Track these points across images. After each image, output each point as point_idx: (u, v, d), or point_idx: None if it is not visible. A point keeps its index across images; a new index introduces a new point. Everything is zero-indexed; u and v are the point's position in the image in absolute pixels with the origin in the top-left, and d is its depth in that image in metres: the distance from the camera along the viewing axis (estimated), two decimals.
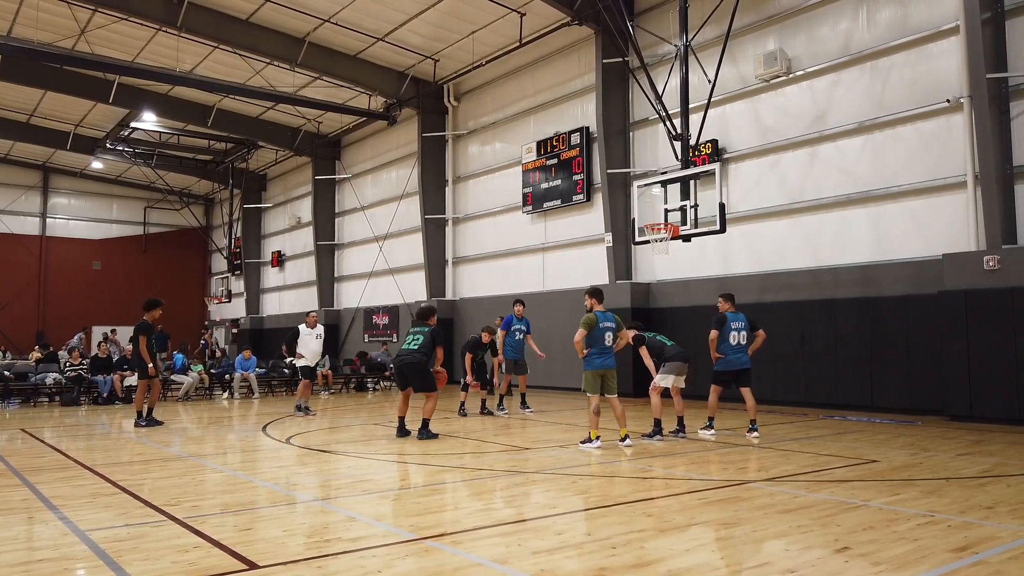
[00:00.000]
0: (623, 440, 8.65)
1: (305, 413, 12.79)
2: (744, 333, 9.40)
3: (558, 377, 17.30)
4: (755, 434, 9.21)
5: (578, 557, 4.24)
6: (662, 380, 9.36)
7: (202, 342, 28.41)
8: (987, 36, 11.01)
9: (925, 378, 11.76)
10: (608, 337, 8.50)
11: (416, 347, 9.52)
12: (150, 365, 11.38)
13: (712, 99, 13.41)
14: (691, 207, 12.40)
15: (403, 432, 9.60)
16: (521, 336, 12.56)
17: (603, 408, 8.66)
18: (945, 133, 11.91)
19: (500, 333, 12.39)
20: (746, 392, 9.39)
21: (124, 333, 26.01)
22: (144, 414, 11.33)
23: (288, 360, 14.38)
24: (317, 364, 13.88)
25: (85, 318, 30.39)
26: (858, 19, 13.06)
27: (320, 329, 13.25)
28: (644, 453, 8.28)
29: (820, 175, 13.51)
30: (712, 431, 9.48)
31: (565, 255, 18.50)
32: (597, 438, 8.52)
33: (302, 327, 13.20)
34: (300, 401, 13.06)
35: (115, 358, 16.54)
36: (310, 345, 13.09)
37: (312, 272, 28.08)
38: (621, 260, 16.51)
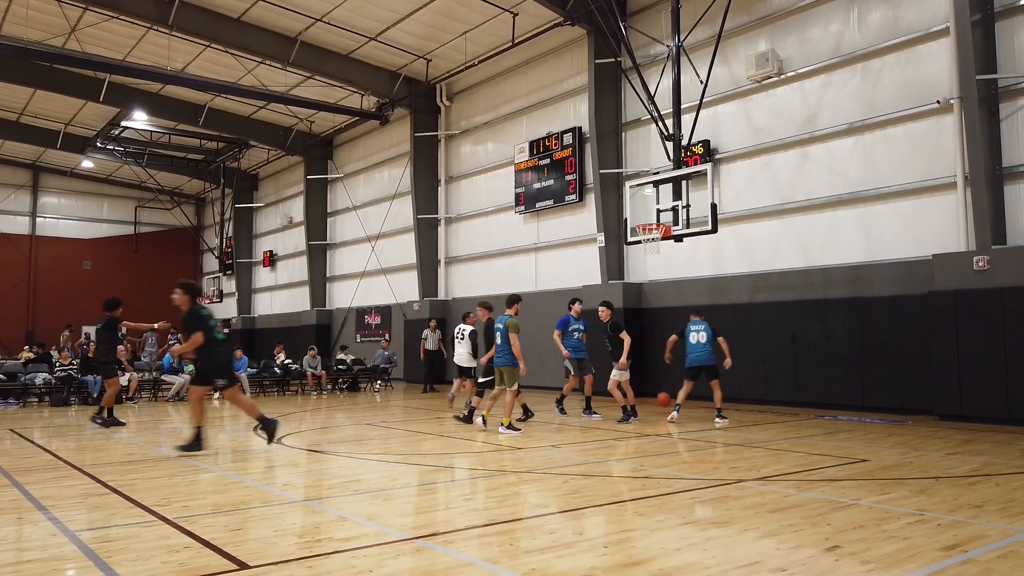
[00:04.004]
0: (482, 420, 10.26)
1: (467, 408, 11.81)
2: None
3: (549, 377, 17.29)
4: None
5: (569, 556, 4.24)
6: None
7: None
8: (977, 37, 11.07)
9: (915, 378, 11.81)
10: (498, 336, 10.18)
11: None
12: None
13: (704, 100, 13.44)
14: (683, 207, 12.44)
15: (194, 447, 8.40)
16: (579, 336, 11.89)
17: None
18: (935, 134, 11.97)
19: (556, 333, 11.74)
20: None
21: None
22: (107, 413, 11.38)
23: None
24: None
25: (75, 318, 30.19)
26: (849, 20, 13.12)
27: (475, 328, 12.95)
28: (638, 453, 8.32)
29: (811, 176, 13.56)
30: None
31: (558, 255, 18.51)
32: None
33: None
34: (466, 399, 12.09)
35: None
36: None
37: (304, 272, 27.99)
38: (613, 260, 16.53)
